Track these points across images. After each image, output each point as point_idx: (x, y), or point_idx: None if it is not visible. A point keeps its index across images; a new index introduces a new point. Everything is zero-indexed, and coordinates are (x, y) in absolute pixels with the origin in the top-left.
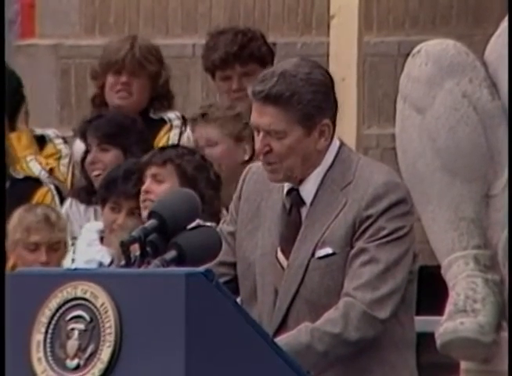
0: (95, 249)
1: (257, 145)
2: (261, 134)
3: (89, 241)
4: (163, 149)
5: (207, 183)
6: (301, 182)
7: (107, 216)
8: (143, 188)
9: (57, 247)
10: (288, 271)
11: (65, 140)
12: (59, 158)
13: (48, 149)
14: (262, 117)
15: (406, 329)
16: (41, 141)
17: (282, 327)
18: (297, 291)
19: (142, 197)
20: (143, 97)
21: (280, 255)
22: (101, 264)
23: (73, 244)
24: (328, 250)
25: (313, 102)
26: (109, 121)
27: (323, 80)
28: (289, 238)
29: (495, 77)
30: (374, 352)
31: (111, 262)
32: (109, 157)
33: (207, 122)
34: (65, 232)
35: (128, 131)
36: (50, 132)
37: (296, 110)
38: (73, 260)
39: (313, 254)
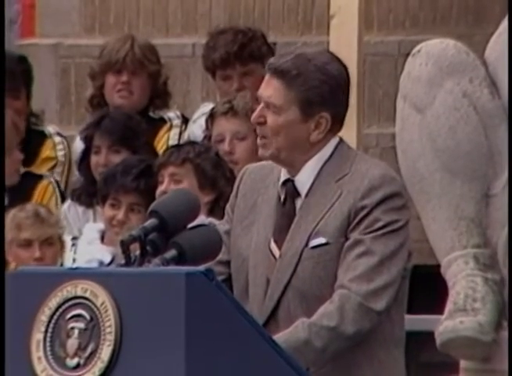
0: (95, 248)
1: (254, 114)
2: (261, 105)
3: (90, 240)
4: (179, 147)
5: (225, 181)
6: (295, 171)
7: (107, 213)
8: (162, 189)
9: (50, 242)
10: (281, 261)
11: (64, 138)
12: (54, 166)
13: (47, 148)
14: (266, 88)
15: (396, 326)
16: (41, 136)
17: (272, 316)
18: (289, 281)
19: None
20: (144, 96)
21: (273, 246)
22: (101, 263)
23: (73, 245)
24: (321, 240)
25: (317, 89)
26: (118, 123)
27: (336, 74)
28: (282, 228)
29: (496, 76)
30: (363, 347)
31: (112, 261)
32: (120, 159)
33: (235, 115)
34: (57, 227)
35: (136, 133)
36: (50, 129)
37: (298, 91)
38: (74, 260)
39: (307, 244)
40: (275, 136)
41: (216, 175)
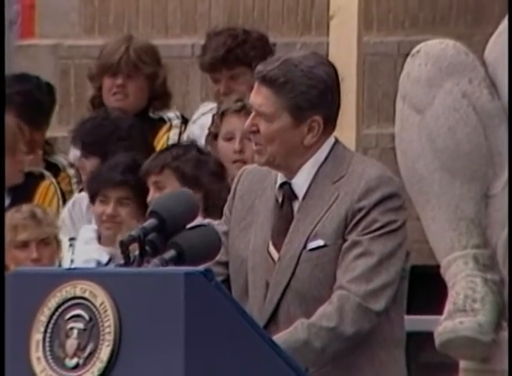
0: (92, 248)
1: (246, 123)
2: (253, 113)
3: (86, 240)
4: (158, 155)
5: (210, 178)
6: (292, 175)
7: (97, 209)
8: (148, 199)
9: (47, 242)
10: (279, 263)
11: (76, 169)
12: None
13: (62, 181)
14: (256, 96)
15: (395, 327)
16: (54, 168)
17: (272, 319)
18: (288, 284)
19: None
20: (140, 99)
21: (272, 249)
22: (99, 263)
23: (71, 245)
24: (320, 242)
25: (305, 95)
26: (90, 130)
27: (324, 77)
28: (280, 231)
29: (495, 77)
30: (363, 348)
31: (109, 261)
32: (90, 164)
33: (248, 114)
34: (53, 227)
35: (106, 141)
36: (62, 160)
37: (286, 98)
38: (72, 260)
39: (305, 247)
40: (269, 143)
41: (198, 174)
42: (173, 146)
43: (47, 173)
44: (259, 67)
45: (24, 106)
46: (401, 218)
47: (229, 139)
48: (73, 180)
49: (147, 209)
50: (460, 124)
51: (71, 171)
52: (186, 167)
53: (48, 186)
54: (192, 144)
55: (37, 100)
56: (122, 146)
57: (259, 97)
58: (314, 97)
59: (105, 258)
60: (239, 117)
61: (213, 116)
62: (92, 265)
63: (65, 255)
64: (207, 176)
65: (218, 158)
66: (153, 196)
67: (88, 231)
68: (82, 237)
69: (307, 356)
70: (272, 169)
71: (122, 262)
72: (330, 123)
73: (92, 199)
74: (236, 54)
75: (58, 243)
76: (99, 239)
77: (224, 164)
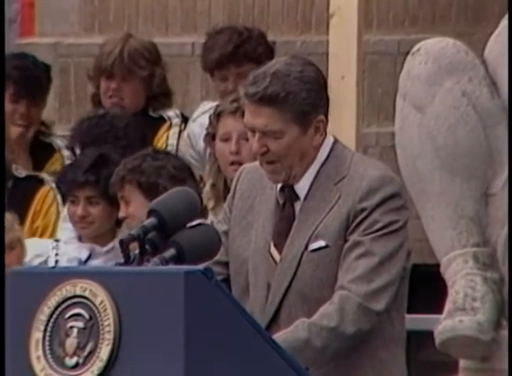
0: (72, 247)
1: (254, 146)
2: (258, 135)
3: (67, 240)
4: (117, 171)
5: (169, 182)
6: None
7: (69, 210)
8: (120, 214)
9: (12, 246)
10: (281, 265)
11: (73, 152)
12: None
13: (55, 162)
14: (257, 118)
15: (396, 326)
16: (48, 148)
17: (274, 320)
18: (290, 285)
19: (124, 223)
20: (136, 100)
21: (273, 250)
22: (80, 261)
23: (55, 247)
24: (321, 242)
25: (308, 99)
26: (87, 130)
27: (316, 77)
28: (282, 232)
29: (495, 75)
30: (364, 348)
31: (89, 257)
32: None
33: (243, 115)
34: (14, 230)
35: (102, 140)
36: (59, 141)
37: (291, 110)
38: (56, 261)
39: (306, 248)
40: (284, 158)
41: (157, 181)
42: (128, 160)
43: (47, 178)
44: (250, 90)
45: (21, 80)
46: (402, 218)
47: (226, 140)
48: (67, 162)
49: (118, 206)
50: (460, 123)
51: (66, 153)
52: (143, 177)
53: (47, 191)
54: (147, 152)
55: (34, 76)
56: (119, 145)
57: (261, 118)
58: (314, 99)
59: (85, 255)
60: (235, 118)
61: (209, 117)
62: (75, 263)
63: (50, 258)
64: (166, 181)
65: (181, 158)
66: (123, 210)
67: (68, 231)
68: (63, 238)
69: (307, 355)
70: (290, 184)
71: (102, 251)
72: (327, 118)
73: (64, 198)
74: (245, 50)
75: (22, 245)
76: (80, 237)
77: (221, 165)
